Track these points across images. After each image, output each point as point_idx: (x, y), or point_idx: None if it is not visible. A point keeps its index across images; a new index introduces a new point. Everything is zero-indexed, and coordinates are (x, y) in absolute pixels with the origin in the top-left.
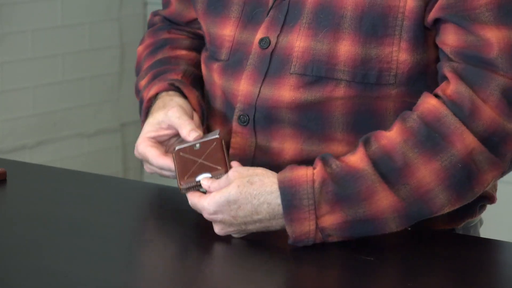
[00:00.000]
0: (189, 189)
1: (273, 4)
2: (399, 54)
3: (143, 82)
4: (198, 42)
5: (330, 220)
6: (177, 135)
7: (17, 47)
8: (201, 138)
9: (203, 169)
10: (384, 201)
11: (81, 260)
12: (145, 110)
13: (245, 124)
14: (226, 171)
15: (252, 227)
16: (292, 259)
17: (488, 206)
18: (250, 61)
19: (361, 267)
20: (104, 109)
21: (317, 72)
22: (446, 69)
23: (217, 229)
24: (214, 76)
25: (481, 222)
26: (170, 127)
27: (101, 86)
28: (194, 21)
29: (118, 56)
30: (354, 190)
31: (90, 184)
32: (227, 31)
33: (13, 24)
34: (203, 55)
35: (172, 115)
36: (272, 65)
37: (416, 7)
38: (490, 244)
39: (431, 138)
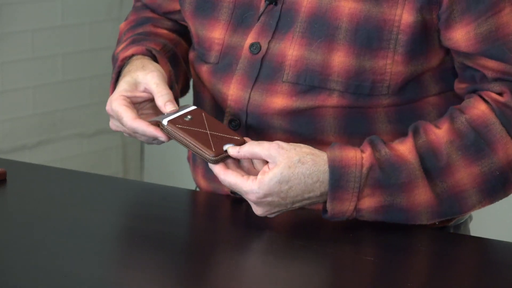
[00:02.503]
0: (219, 159)
1: (264, 9)
2: (393, 66)
3: (119, 48)
4: (180, 27)
5: (368, 202)
6: (151, 100)
7: (17, 47)
8: (177, 111)
9: (221, 139)
10: (421, 195)
11: (81, 260)
12: (118, 69)
13: (236, 128)
14: (243, 141)
15: (299, 205)
16: (291, 258)
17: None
18: (240, 65)
19: (361, 267)
20: (104, 109)
21: (310, 82)
22: (496, 84)
23: (260, 211)
24: (202, 79)
25: (470, 218)
26: (146, 90)
27: (101, 86)
28: (173, 13)
29: None
30: (397, 181)
31: (90, 184)
32: (216, 34)
33: (13, 24)
34: (191, 55)
35: (151, 80)
36: (262, 71)
37: (413, 22)
38: (488, 244)
39: (476, 143)
